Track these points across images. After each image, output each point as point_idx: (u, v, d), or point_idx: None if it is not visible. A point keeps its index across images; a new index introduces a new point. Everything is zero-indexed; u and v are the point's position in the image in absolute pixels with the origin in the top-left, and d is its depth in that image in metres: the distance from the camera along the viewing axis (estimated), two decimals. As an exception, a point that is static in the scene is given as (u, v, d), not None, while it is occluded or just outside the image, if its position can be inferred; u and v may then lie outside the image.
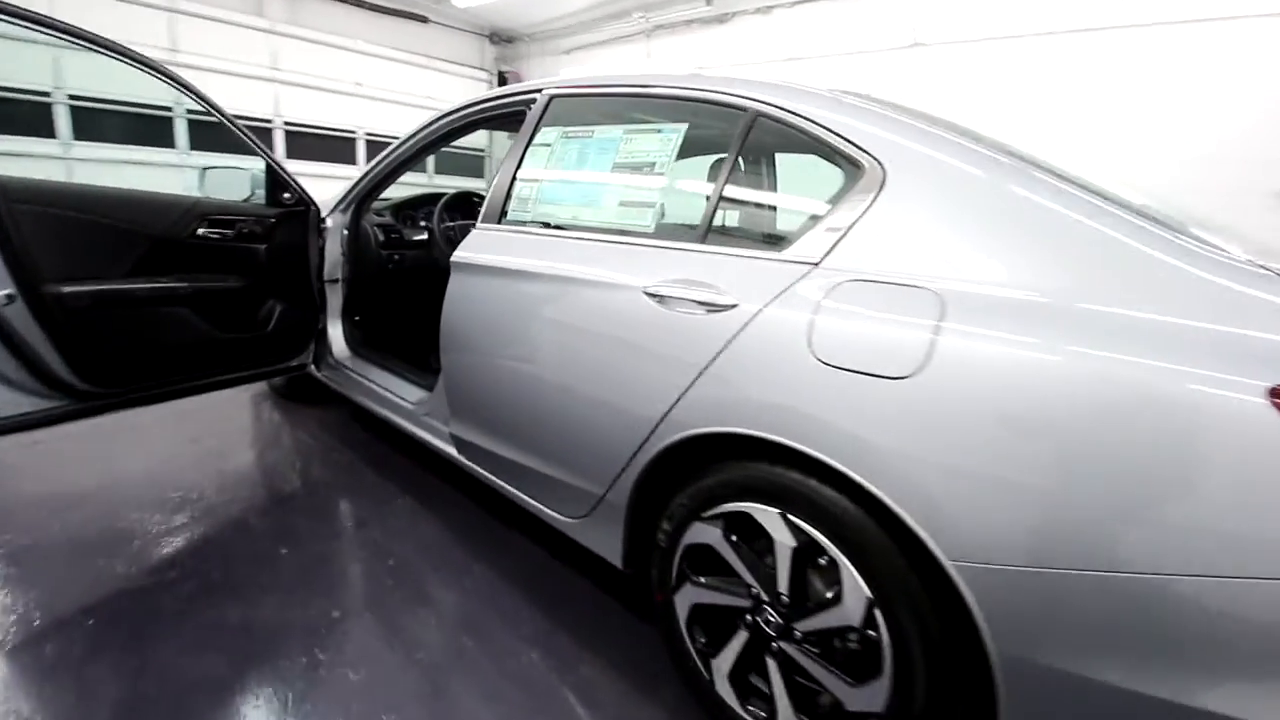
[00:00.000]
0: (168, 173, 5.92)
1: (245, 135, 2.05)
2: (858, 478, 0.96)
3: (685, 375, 1.19)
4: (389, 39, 7.59)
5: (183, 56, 5.99)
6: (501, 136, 9.07)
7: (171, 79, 1.85)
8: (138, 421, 2.46)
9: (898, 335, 0.97)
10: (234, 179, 2.20)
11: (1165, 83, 4.25)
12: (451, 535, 1.95)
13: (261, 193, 2.24)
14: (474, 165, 8.72)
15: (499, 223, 1.72)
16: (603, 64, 7.63)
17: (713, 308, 1.18)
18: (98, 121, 5.54)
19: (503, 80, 8.54)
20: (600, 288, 1.39)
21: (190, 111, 5.88)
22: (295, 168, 2.83)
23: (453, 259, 1.75)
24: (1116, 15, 4.38)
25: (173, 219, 2.02)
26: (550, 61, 8.25)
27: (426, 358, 2.32)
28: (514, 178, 1.72)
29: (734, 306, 1.15)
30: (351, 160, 7.45)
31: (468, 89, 8.38)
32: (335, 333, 2.58)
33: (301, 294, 2.35)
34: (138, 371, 1.90)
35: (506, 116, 1.96)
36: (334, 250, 2.50)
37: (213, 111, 1.97)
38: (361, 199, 2.46)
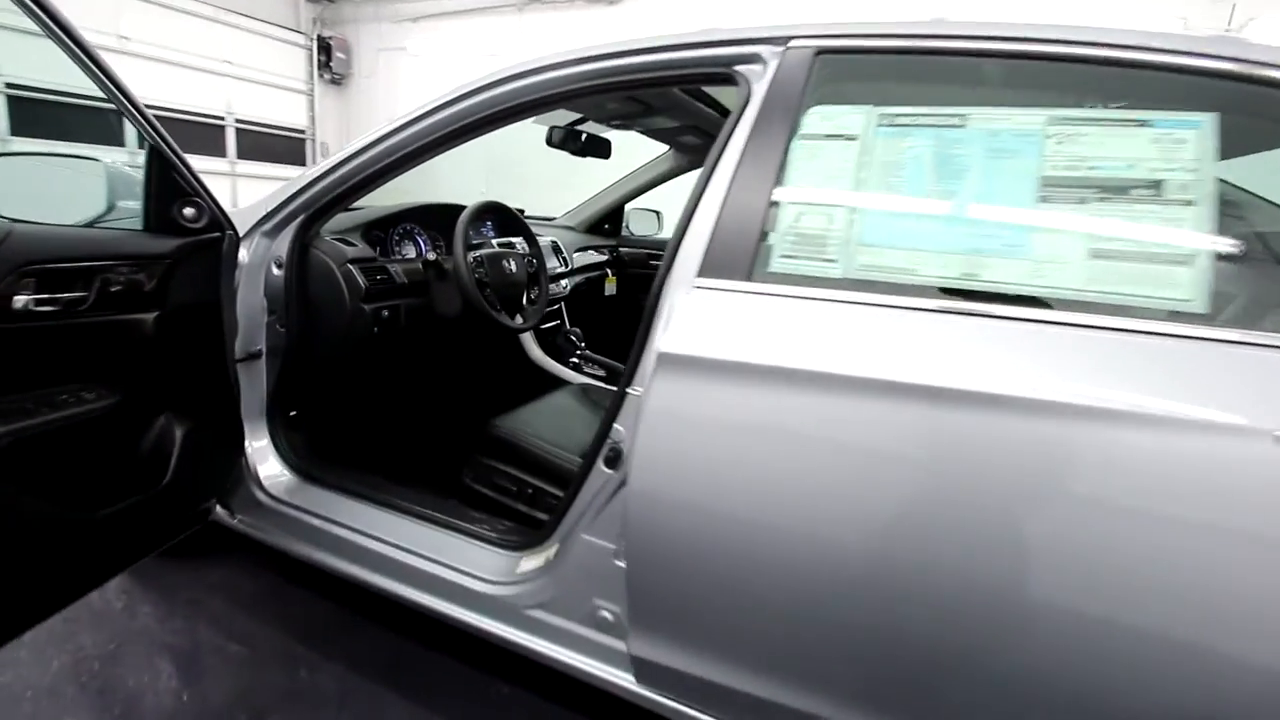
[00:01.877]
0: None
1: (94, 70, 0.97)
2: None
3: None
4: (160, -22, 5.64)
5: None
6: (332, 109, 7.18)
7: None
8: None
9: None
10: (71, 180, 1.05)
11: None
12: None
13: (131, 205, 1.12)
14: (287, 150, 6.97)
15: (749, 278, 0.92)
16: (460, 36, 6.48)
17: None
18: None
19: (325, 47, 6.91)
20: (1128, 423, 0.71)
21: None
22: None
23: (662, 349, 0.91)
24: None
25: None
26: (389, 30, 6.85)
27: (492, 481, 1.39)
28: (770, 198, 0.93)
29: None
30: (99, 137, 5.37)
31: (279, 55, 6.64)
32: (260, 446, 1.48)
33: (217, 392, 1.26)
34: None
35: (662, 84, 1.14)
36: (252, 302, 1.42)
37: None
38: (310, 217, 1.41)
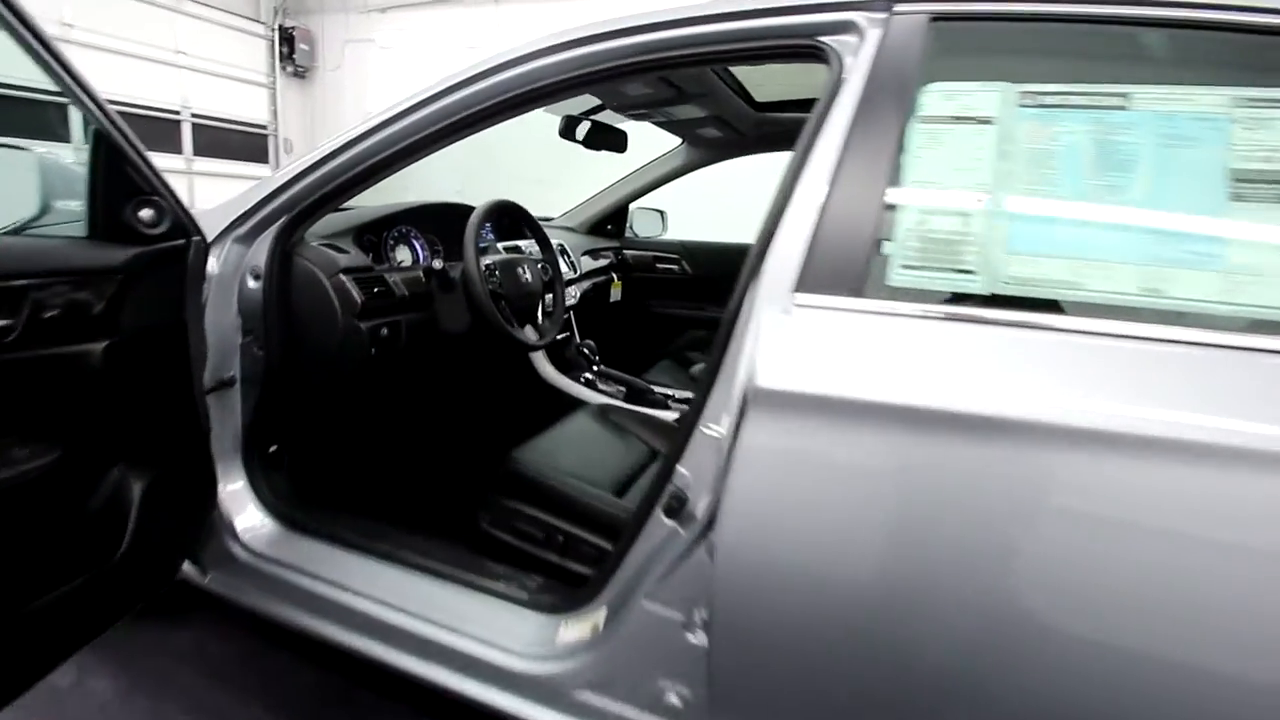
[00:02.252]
0: None
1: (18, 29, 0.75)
2: None
3: None
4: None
5: None
6: (295, 103, 6.71)
7: None
8: None
9: None
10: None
11: None
12: None
13: (71, 207, 0.89)
14: (247, 146, 6.59)
15: (863, 294, 0.74)
16: (433, 28, 6.20)
17: None
18: None
19: (287, 38, 6.55)
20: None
21: None
22: None
23: (762, 384, 0.73)
24: None
25: None
26: (356, 20, 6.52)
27: (515, 526, 1.20)
28: (886, 195, 0.76)
29: None
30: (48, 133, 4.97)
31: (237, 46, 6.27)
32: (235, 489, 1.26)
33: (183, 432, 1.04)
34: None
35: (711, 61, 0.96)
36: (223, 321, 1.20)
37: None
38: (293, 220, 1.19)
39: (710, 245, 2.44)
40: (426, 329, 1.37)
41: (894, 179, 0.77)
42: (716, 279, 2.42)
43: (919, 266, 0.74)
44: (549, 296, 1.56)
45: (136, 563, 0.97)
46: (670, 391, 1.82)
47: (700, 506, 0.87)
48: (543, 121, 1.67)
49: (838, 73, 0.85)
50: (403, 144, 1.10)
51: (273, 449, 1.32)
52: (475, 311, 1.32)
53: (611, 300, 2.29)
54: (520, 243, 1.70)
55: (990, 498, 0.65)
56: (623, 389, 1.74)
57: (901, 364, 0.70)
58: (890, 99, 0.79)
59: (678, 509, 0.92)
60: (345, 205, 1.27)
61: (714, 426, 0.85)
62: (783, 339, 0.74)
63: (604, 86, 1.25)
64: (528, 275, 1.44)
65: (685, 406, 1.84)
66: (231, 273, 1.20)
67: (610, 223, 2.43)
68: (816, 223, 0.78)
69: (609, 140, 1.74)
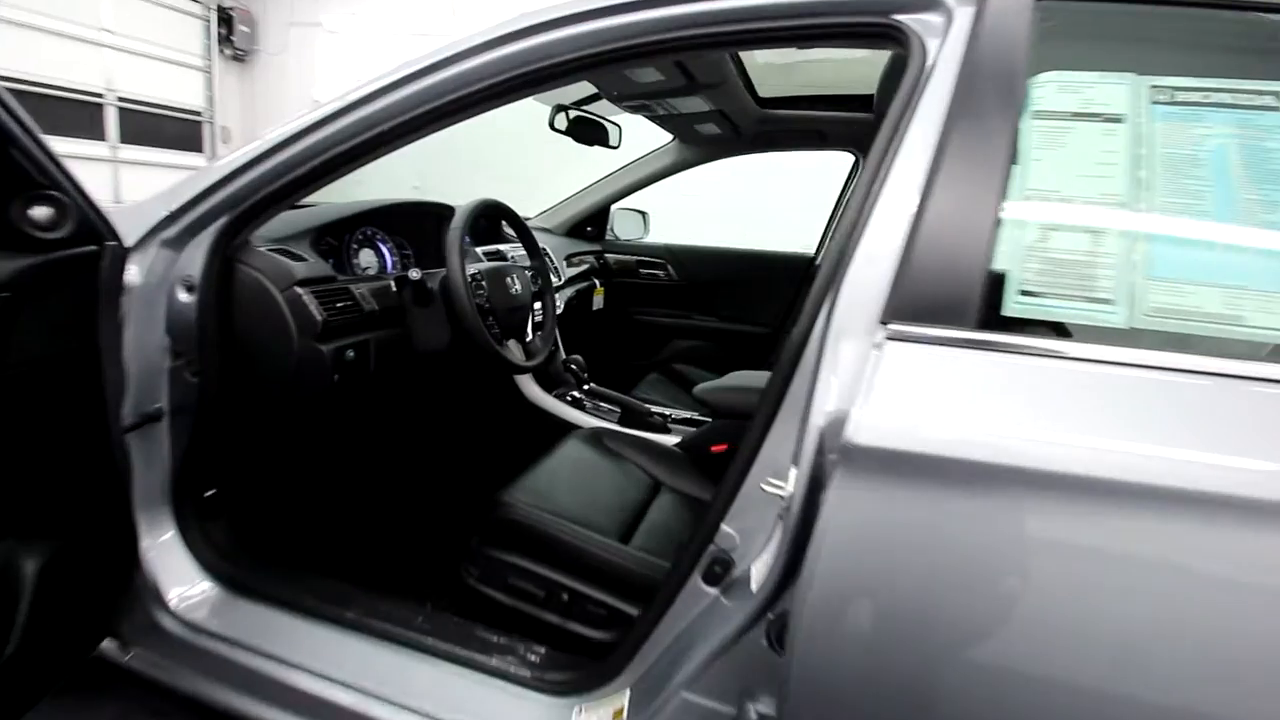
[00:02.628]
0: None
1: None
2: None
3: None
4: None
5: None
6: (234, 89, 6.21)
7: None
8: None
9: None
10: None
11: None
12: None
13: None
14: (181, 134, 6.12)
15: (974, 325, 0.60)
16: (384, 12, 5.88)
17: None
18: None
19: (226, 19, 6.10)
20: None
21: None
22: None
23: (856, 439, 0.58)
24: None
25: None
26: (302, 2, 6.13)
27: (507, 582, 1.02)
28: (999, 206, 0.62)
29: None
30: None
31: (170, 25, 5.80)
32: (164, 542, 1.04)
33: (93, 484, 0.83)
34: None
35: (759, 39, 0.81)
36: (148, 342, 0.98)
37: None
38: (237, 220, 0.97)
39: (698, 249, 2.29)
40: (399, 349, 1.17)
41: (1006, 187, 0.63)
42: (703, 285, 2.28)
43: (1042, 293, 0.61)
44: (537, 307, 1.38)
45: (31, 660, 0.75)
46: (667, 411, 1.67)
47: (753, 575, 0.72)
48: (508, 109, 1.48)
49: (921, 60, 0.71)
50: (375, 131, 0.91)
51: (210, 493, 1.10)
52: (458, 328, 1.13)
53: (594, 308, 2.12)
54: (501, 247, 1.51)
55: (1180, 594, 0.52)
56: (616, 409, 1.58)
57: (1039, 415, 0.56)
58: (994, 91, 0.66)
59: (721, 575, 0.77)
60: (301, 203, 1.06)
61: (775, 482, 0.70)
62: (879, 379, 0.59)
63: (618, 69, 1.08)
64: (517, 286, 1.26)
65: (687, 428, 1.71)
66: (158, 284, 0.98)
67: (590, 224, 2.26)
68: (909, 237, 0.64)
69: (600, 134, 1.57)
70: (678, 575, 0.79)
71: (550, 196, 2.31)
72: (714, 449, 1.35)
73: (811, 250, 2.19)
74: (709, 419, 1.63)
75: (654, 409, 1.66)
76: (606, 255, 2.26)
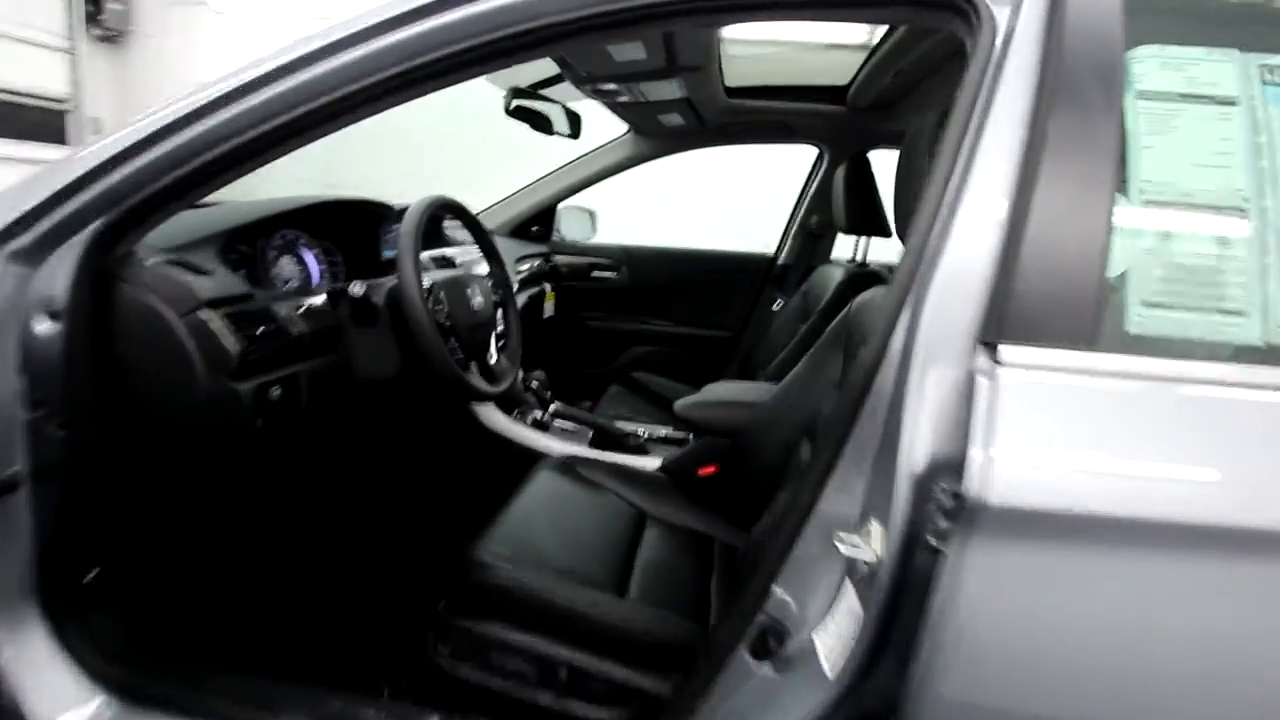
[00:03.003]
0: None
1: None
2: None
3: None
4: None
5: None
6: (105, 74, 5.44)
7: None
8: None
9: None
10: None
11: None
12: None
13: None
14: (41, 124, 5.38)
15: (1094, 345, 0.50)
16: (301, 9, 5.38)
17: None
18: None
19: (96, 9, 5.40)
20: None
21: None
22: None
23: (989, 498, 0.45)
24: None
25: None
26: (184, -20, 5.52)
27: (489, 660, 0.85)
28: (1112, 205, 0.52)
29: None
30: None
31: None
32: (31, 651, 0.80)
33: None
34: None
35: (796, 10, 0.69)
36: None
37: None
38: (114, 224, 0.75)
39: (655, 250, 2.16)
40: (336, 379, 0.96)
41: (1117, 181, 0.53)
42: (659, 287, 2.16)
43: (1168, 305, 0.51)
44: (501, 325, 1.20)
45: None
46: (640, 430, 1.52)
47: (820, 649, 0.60)
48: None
49: (991, 33, 0.60)
50: (300, 110, 0.71)
51: (91, 575, 0.86)
52: (410, 350, 0.94)
53: (545, 316, 1.94)
54: (447, 251, 1.31)
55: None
56: (589, 431, 1.42)
57: (1209, 458, 0.46)
58: (1089, 68, 0.55)
59: (775, 649, 0.65)
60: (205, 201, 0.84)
61: (850, 539, 0.57)
62: (1002, 417, 0.48)
63: (598, 40, 0.91)
64: (479, 298, 1.07)
65: (669, 447, 1.57)
66: (6, 309, 0.74)
67: (536, 224, 2.08)
68: (1005, 243, 0.53)
69: (562, 123, 1.40)
70: (720, 648, 0.66)
71: (489, 192, 2.10)
72: (701, 472, 1.23)
73: (770, 250, 2.12)
74: (686, 434, 1.51)
75: (626, 428, 1.51)
76: (555, 257, 2.09)
